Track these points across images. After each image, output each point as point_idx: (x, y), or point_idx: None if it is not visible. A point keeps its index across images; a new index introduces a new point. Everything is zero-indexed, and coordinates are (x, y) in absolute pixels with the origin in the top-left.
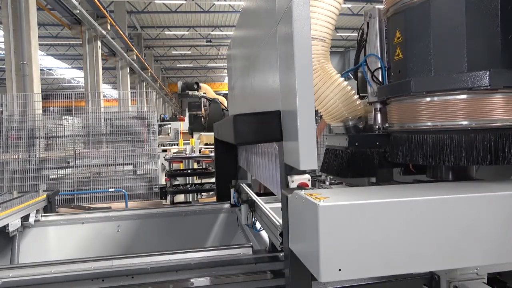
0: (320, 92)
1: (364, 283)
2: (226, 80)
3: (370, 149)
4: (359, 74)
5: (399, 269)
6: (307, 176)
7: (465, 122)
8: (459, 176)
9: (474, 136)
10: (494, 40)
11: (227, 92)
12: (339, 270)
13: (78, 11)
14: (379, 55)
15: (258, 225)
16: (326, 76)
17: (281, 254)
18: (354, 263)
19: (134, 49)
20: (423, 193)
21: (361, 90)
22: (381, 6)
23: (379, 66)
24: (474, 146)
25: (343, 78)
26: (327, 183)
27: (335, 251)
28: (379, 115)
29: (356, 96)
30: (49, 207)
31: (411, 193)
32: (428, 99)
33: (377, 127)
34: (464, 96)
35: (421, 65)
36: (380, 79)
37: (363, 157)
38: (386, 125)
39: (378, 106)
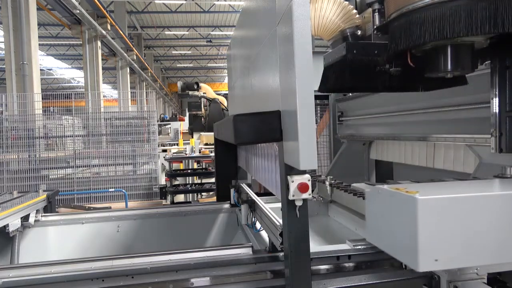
0: (317, 14)
1: (364, 283)
2: (226, 80)
3: (369, 57)
4: None
5: (492, 259)
6: (307, 176)
7: None
8: (457, 65)
9: (472, 4)
10: None
11: (227, 92)
12: (436, 260)
13: (78, 11)
14: None
15: (258, 225)
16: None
17: (281, 254)
18: (449, 253)
19: (134, 49)
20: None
21: (360, 10)
22: None
23: None
24: (472, 15)
25: None
26: (327, 182)
27: (431, 242)
28: (377, 16)
29: (352, 7)
30: (49, 207)
31: (499, 188)
32: None
33: (375, 27)
34: None
35: None
36: None
37: (362, 66)
38: (384, 21)
39: (376, 6)
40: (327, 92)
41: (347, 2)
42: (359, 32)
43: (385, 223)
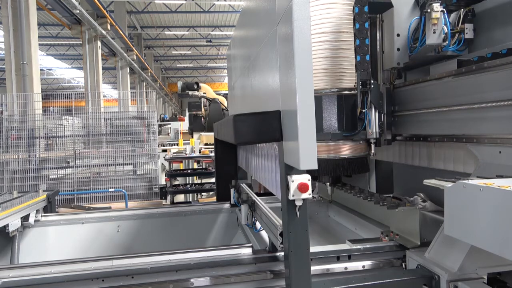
0: None
1: (364, 283)
2: (226, 80)
3: None
4: None
5: None
6: (307, 176)
7: None
8: None
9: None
10: None
11: (227, 92)
12: None
13: (78, 11)
14: None
15: (258, 225)
16: None
17: (281, 254)
18: None
19: (134, 49)
20: None
21: None
22: None
23: None
24: None
25: None
26: (327, 182)
27: None
28: None
29: None
30: (49, 207)
31: None
32: None
33: None
34: None
35: None
36: None
37: None
38: None
39: None
40: None
41: None
42: None
43: (472, 217)
